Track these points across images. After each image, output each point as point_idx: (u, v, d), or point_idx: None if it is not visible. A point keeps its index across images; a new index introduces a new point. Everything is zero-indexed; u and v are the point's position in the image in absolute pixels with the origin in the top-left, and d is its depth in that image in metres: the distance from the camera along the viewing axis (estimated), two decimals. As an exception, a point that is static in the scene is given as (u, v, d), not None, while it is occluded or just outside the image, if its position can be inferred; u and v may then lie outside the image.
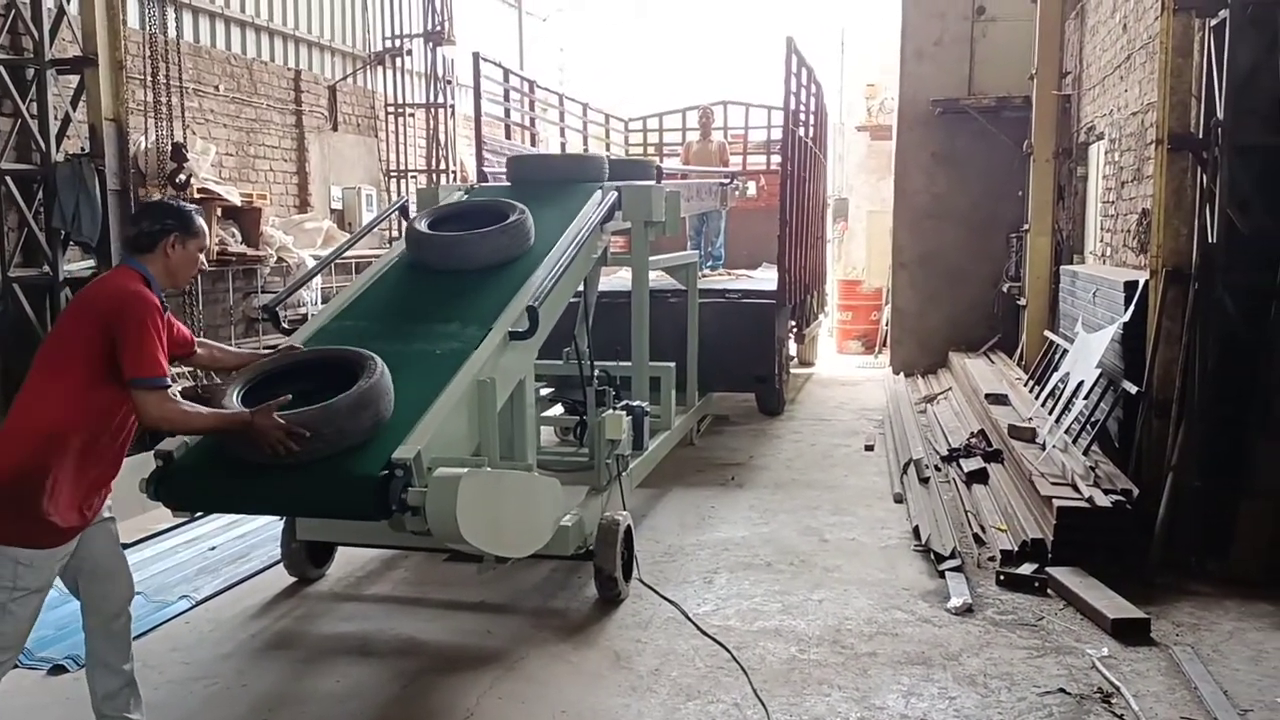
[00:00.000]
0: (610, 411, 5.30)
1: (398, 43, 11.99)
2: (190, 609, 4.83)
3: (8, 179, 6.96)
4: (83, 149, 7.11)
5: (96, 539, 3.27)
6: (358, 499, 3.43)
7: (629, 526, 5.00)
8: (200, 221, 3.39)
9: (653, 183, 6.08)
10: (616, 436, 5.23)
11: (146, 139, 7.47)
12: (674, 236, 10.79)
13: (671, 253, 7.88)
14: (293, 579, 5.15)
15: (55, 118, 7.21)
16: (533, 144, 10.31)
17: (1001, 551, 5.36)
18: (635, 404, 5.60)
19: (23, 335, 6.96)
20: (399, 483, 3.43)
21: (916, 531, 5.85)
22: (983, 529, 5.86)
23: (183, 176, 7.31)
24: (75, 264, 7.30)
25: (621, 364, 6.31)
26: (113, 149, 6.94)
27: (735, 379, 8.16)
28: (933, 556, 5.42)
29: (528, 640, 4.46)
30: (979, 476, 6.76)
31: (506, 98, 9.61)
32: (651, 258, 6.94)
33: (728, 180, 9.89)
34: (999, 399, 8.20)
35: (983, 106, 11.30)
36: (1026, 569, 5.08)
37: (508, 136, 9.70)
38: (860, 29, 16.07)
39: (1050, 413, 7.28)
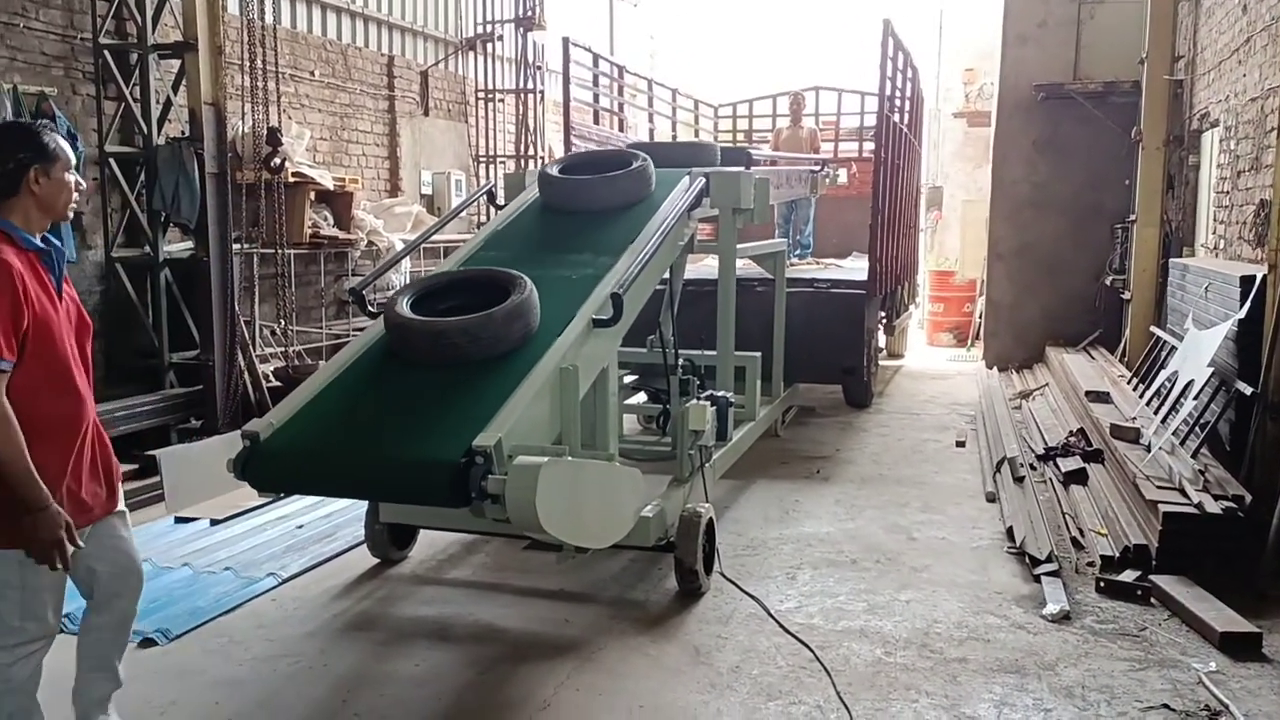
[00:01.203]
0: (694, 401, 5.21)
1: (489, 28, 12.02)
2: (277, 586, 4.90)
3: (111, 161, 7.15)
4: (183, 133, 7.27)
5: (105, 535, 3.09)
6: (438, 485, 3.40)
7: (711, 519, 4.91)
8: (57, 139, 2.90)
9: (741, 169, 5.95)
10: (700, 427, 5.14)
11: (244, 123, 7.60)
12: (762, 225, 10.71)
13: (759, 241, 7.73)
14: (375, 560, 5.19)
15: (157, 102, 7.39)
16: (621, 130, 10.24)
17: (1101, 557, 5.12)
18: (719, 394, 5.49)
19: (126, 314, 7.16)
20: (479, 470, 3.39)
21: (1010, 533, 5.63)
22: (1081, 532, 5.61)
23: (277, 160, 7.42)
24: (175, 245, 7.48)
25: (706, 353, 6.22)
26: (211, 133, 7.07)
27: (822, 370, 8.00)
28: (1027, 560, 5.20)
29: (606, 631, 4.41)
30: (1078, 477, 6.49)
31: (595, 83, 9.55)
32: (739, 245, 6.84)
33: (818, 167, 9.69)
34: (1100, 397, 7.87)
35: (1089, 91, 10.87)
36: (1129, 576, 4.84)
37: (595, 122, 9.65)
38: (959, 11, 15.60)
39: (1156, 413, 6.96)
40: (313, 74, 9.40)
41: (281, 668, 4.07)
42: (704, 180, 5.48)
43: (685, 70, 17.42)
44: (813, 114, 12.62)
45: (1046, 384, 9.83)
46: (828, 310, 7.83)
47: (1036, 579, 4.94)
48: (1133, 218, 10.17)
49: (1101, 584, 4.83)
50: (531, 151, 12.54)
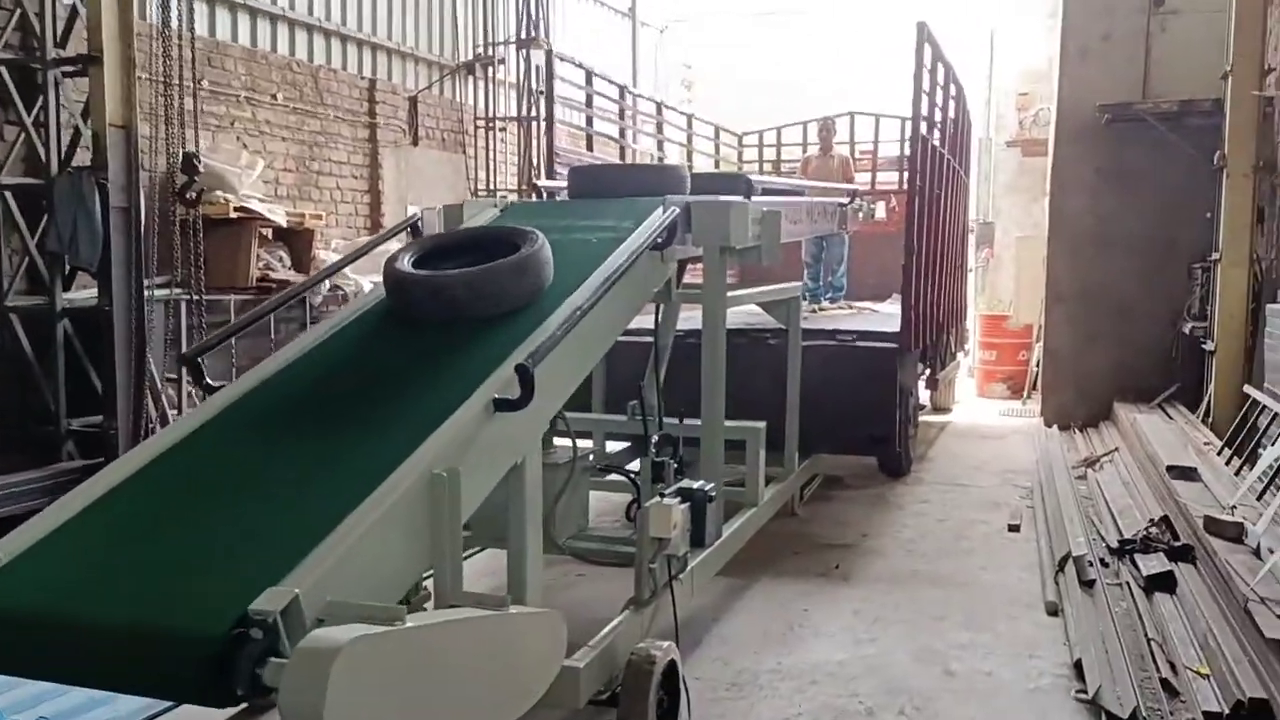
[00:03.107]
0: (657, 500, 3.97)
1: (489, 50, 11.00)
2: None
3: (7, 194, 6.14)
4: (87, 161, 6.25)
5: None
6: (183, 676, 2.21)
7: (673, 660, 3.66)
8: None
9: (734, 198, 4.74)
10: (664, 534, 3.91)
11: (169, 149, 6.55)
12: (780, 265, 9.49)
13: (782, 284, 6.48)
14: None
15: (69, 126, 6.39)
16: (621, 158, 9.10)
17: (1206, 715, 3.78)
18: (696, 486, 4.24)
19: (18, 370, 6.12)
20: (255, 648, 2.20)
21: (1079, 668, 4.29)
22: (1174, 669, 4.26)
23: (193, 192, 6.34)
24: (81, 291, 6.43)
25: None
26: (119, 160, 6.03)
27: (846, 439, 6.68)
28: (1104, 717, 3.87)
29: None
30: (1163, 582, 5.12)
31: (589, 103, 8.42)
32: (745, 291, 5.62)
33: (847, 200, 8.45)
34: (1185, 473, 6.48)
35: (1161, 112, 9.51)
36: (1249, 752, 3.50)
37: (589, 148, 8.51)
38: (1011, 31, 14.30)
39: (1260, 498, 5.60)
40: (275, 97, 8.40)
41: None
42: (676, 211, 4.29)
43: (721, 99, 16.28)
44: (847, 142, 11.43)
45: (1116, 449, 8.42)
46: (853, 367, 6.54)
47: (1118, 750, 3.61)
48: (1215, 256, 8.78)
49: (1210, 762, 3.50)
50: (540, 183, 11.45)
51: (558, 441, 4.75)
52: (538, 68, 11.00)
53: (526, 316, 3.58)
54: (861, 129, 11.83)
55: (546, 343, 3.15)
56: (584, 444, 5.54)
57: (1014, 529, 6.63)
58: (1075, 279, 10.33)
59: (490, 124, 11.04)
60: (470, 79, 11.03)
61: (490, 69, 11.05)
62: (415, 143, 10.17)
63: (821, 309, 9.84)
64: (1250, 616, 4.15)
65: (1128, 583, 5.30)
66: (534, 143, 11.23)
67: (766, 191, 6.42)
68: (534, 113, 11.21)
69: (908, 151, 7.96)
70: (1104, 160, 10.15)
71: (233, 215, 7.24)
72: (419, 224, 4.61)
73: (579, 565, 5.16)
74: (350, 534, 2.55)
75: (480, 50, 10.99)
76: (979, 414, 11.66)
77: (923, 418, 10.06)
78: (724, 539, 4.95)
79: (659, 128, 10.20)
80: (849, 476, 7.94)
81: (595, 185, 5.18)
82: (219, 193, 7.32)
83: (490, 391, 3.10)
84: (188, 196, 6.31)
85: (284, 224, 7.64)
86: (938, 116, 7.74)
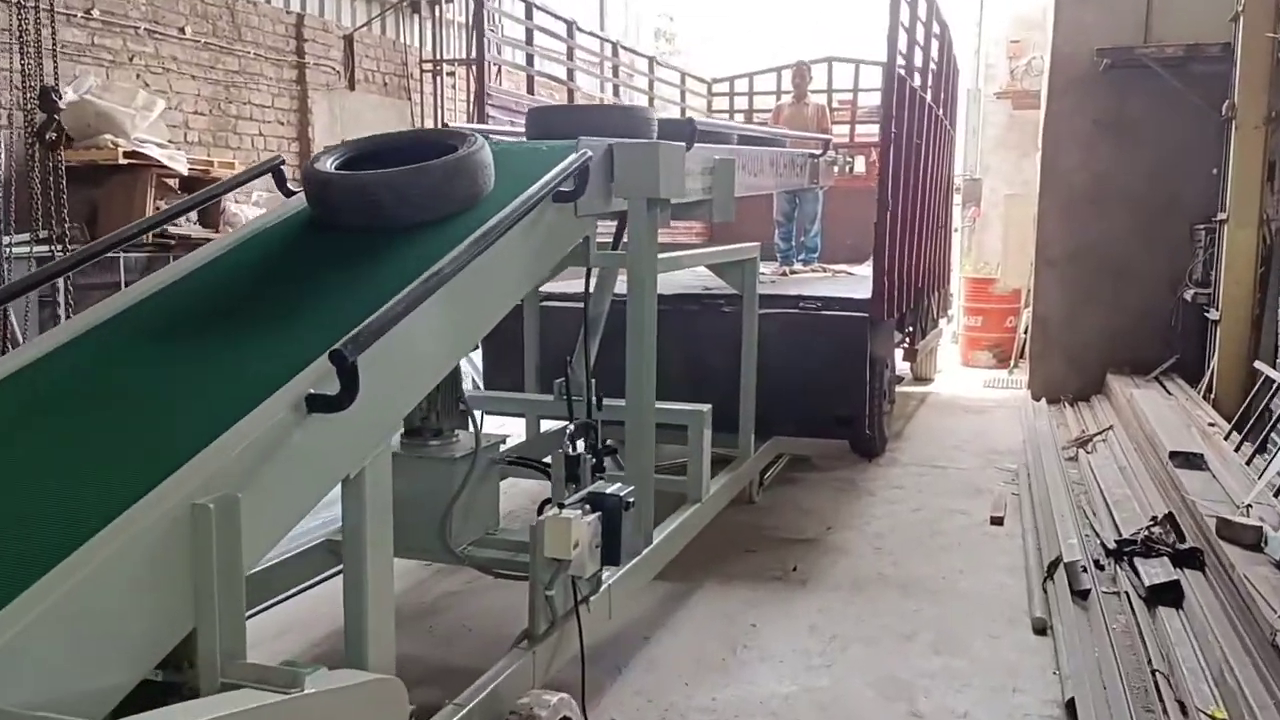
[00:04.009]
0: (553, 513, 3.20)
1: (435, -14, 10.08)
2: None
3: None
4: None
5: None
6: None
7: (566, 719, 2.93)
8: None
9: (663, 142, 3.92)
10: (561, 555, 3.15)
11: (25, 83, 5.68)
12: (750, 224, 8.69)
13: (744, 243, 5.68)
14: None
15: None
16: (569, 100, 8.23)
17: (1226, 779, 3.08)
18: (610, 490, 3.48)
19: None
20: None
21: (1072, 710, 3.58)
22: (1184, 710, 3.55)
23: (52, 133, 5.47)
24: (-69, 246, 5.60)
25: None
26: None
27: (809, 421, 5.91)
28: (1102, 780, 3.16)
29: None
30: (1168, 594, 4.41)
31: (529, 40, 7.53)
32: (678, 252, 4.83)
33: (819, 150, 7.64)
34: (1190, 460, 5.77)
35: (1166, 58, 8.69)
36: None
37: (530, 91, 7.64)
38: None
39: (1278, 494, 4.89)
40: (183, 31, 7.50)
41: None
42: (589, 155, 3.48)
43: (708, 57, 15.32)
44: (825, 90, 10.57)
45: (1110, 427, 7.70)
46: (818, 339, 5.75)
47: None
48: (1222, 216, 8.03)
49: None
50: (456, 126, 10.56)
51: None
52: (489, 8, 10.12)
53: (457, 227, 3.03)
54: (841, 77, 10.96)
55: (378, 321, 2.37)
56: (507, 428, 4.81)
57: (997, 521, 5.90)
58: (1068, 240, 9.56)
59: (438, 67, 10.13)
60: (415, 17, 10.10)
61: (437, 6, 10.12)
62: (352, 86, 9.27)
63: (794, 271, 9.05)
64: (1276, 649, 3.44)
65: (1126, 593, 4.59)
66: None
67: (723, 139, 5.61)
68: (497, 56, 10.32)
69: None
70: (1101, 111, 9.35)
71: (123, 162, 6.38)
72: (281, 167, 3.81)
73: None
74: (53, 586, 1.80)
75: (425, -15, 10.07)
76: (962, 385, 10.92)
77: (901, 389, 9.34)
78: (657, 544, 4.22)
79: (614, 71, 9.29)
80: (817, 457, 7.20)
81: (551, 128, 4.38)
82: (108, 136, 6.45)
83: (304, 385, 2.33)
84: (47, 138, 5.45)
85: (186, 172, 6.78)
86: (919, 58, 6.90)
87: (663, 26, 20.42)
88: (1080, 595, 4.57)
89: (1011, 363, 11.62)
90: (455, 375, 4.01)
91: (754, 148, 6.03)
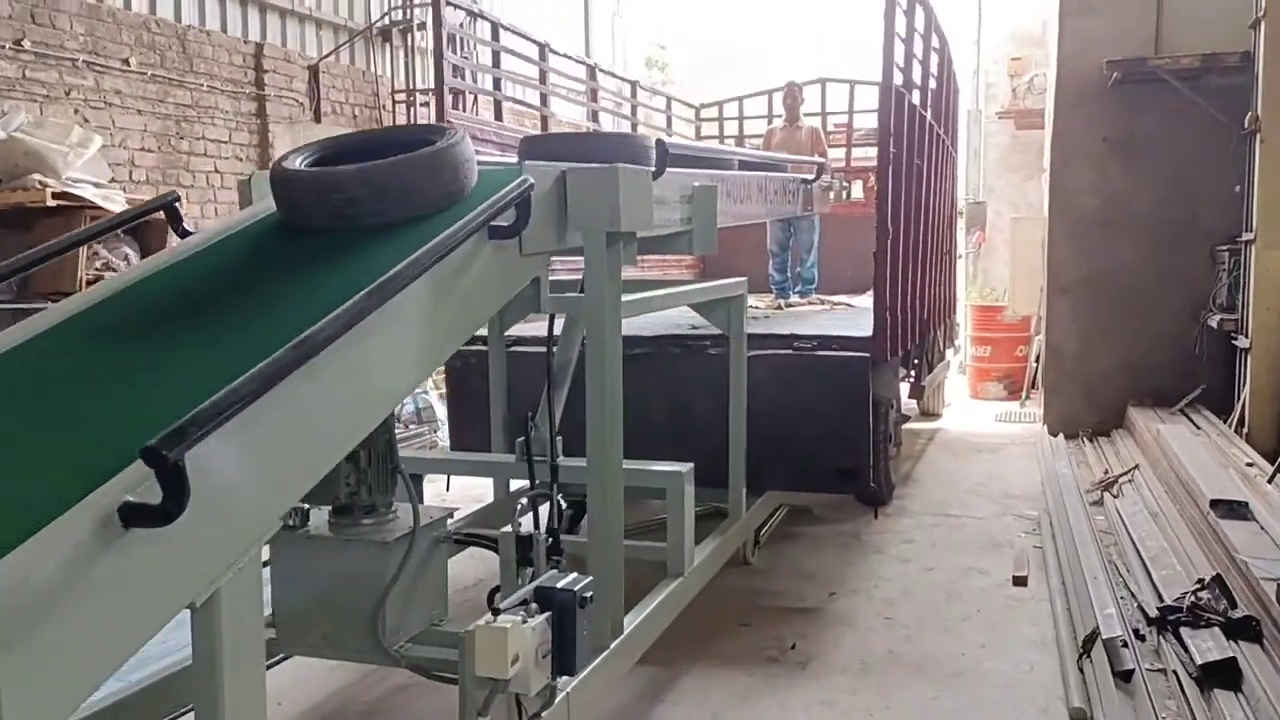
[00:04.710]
0: (485, 622, 2.61)
1: (407, 11, 9.58)
2: None
3: None
4: None
5: None
6: None
7: None
8: None
9: (625, 166, 3.36)
10: (496, 674, 2.56)
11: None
12: (743, 255, 8.15)
13: (726, 279, 5.11)
14: None
15: None
16: (543, 128, 7.71)
17: None
18: (562, 585, 2.89)
19: None
20: None
21: (1126, 838, 2.97)
22: (1261, 834, 2.94)
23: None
24: None
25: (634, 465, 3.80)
26: None
27: (806, 473, 5.30)
28: None
29: None
30: (1223, 674, 3.81)
31: (495, 62, 7.01)
32: (645, 293, 4.26)
33: (812, 175, 7.11)
34: (1235, 510, 5.16)
35: (1180, 69, 8.16)
36: None
37: (497, 117, 7.11)
38: (1002, -9, 12.95)
39: (1344, 553, 4.28)
40: (127, 63, 7.00)
41: None
42: (530, 182, 2.92)
43: (701, 84, 14.84)
44: (819, 113, 10.06)
45: (1136, 466, 7.10)
46: (814, 383, 5.16)
47: None
48: (1247, 236, 7.47)
49: None
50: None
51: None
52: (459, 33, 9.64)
53: (434, 225, 2.66)
54: (836, 100, 10.45)
55: (217, 405, 1.79)
56: (475, 491, 4.25)
57: (1020, 582, 5.29)
58: (1080, 265, 9.00)
59: (411, 97, 9.63)
60: (386, 46, 9.62)
61: (409, 35, 9.64)
62: (318, 118, 8.76)
63: (789, 304, 8.50)
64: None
65: (1175, 671, 3.98)
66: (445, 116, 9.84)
67: (707, 163, 5.07)
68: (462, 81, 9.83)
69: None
70: (1112, 128, 8.82)
71: (52, 203, 5.85)
72: (176, 205, 3.26)
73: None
74: None
75: (394, 12, 9.56)
76: (972, 419, 10.32)
77: (907, 426, 8.75)
78: (631, 632, 3.61)
79: (593, 96, 8.77)
80: (818, 507, 6.61)
81: (544, 158, 3.87)
82: (35, 176, 5.93)
83: (115, 494, 1.75)
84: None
85: (118, 211, 6.25)
86: (917, 72, 6.37)
87: (654, 55, 20.04)
88: (1123, 676, 3.96)
89: (1023, 394, 11.03)
90: (388, 439, 3.45)
91: (739, 173, 5.48)
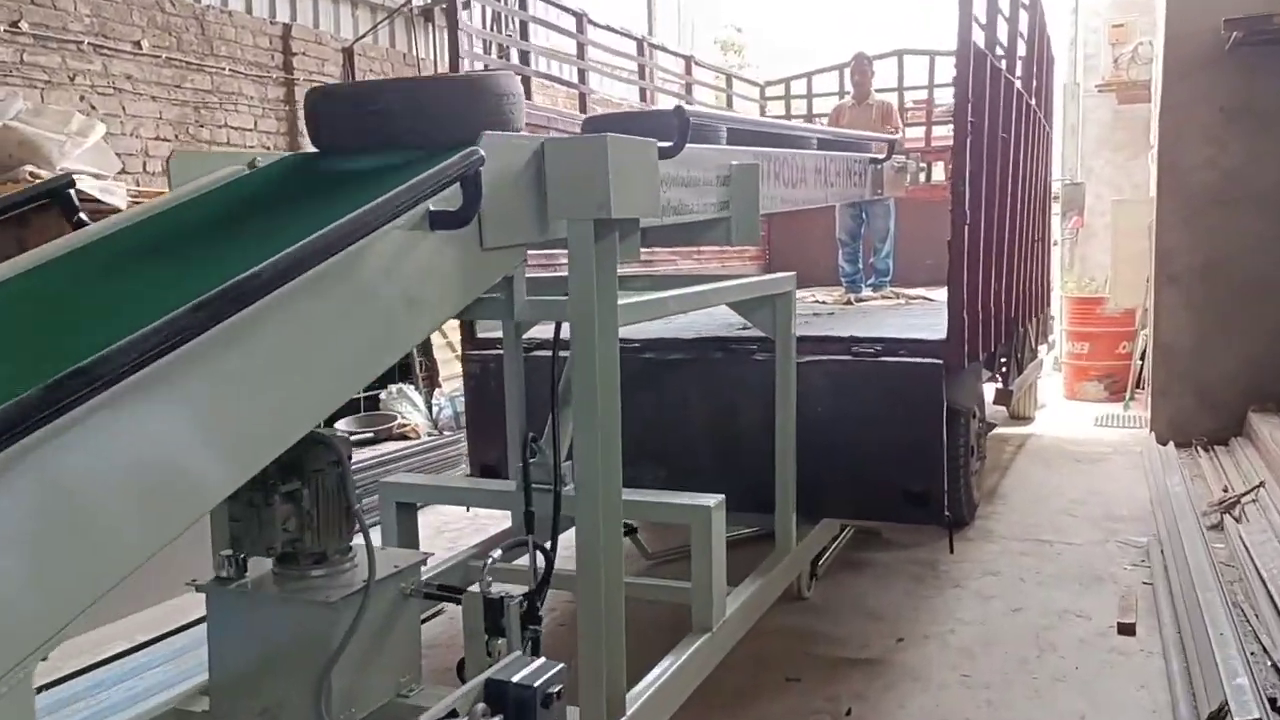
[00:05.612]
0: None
1: (449, -10, 8.98)
2: None
3: None
4: None
5: None
6: None
7: None
8: None
9: (617, 136, 2.65)
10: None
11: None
12: (811, 245, 7.41)
13: (775, 274, 4.39)
14: None
15: None
16: (582, 108, 7.02)
17: None
18: (519, 679, 2.22)
19: None
20: None
21: None
22: None
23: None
24: None
25: (645, 497, 3.29)
26: None
27: (870, 498, 4.51)
28: None
29: None
30: (1398, 775, 2.98)
31: (523, 34, 6.36)
32: (682, 291, 3.54)
33: (882, 154, 6.32)
34: (1395, 548, 4.26)
35: (1314, 25, 7.14)
36: None
37: (527, 96, 6.46)
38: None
39: None
40: (139, 45, 6.54)
41: None
42: (479, 156, 2.25)
43: (783, 68, 14.02)
44: (895, 89, 9.21)
45: (1261, 484, 6.15)
46: (877, 393, 4.40)
47: None
48: (1396, 216, 6.44)
49: None
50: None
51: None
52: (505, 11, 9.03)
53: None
54: (915, 73, 9.56)
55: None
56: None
57: (1126, 630, 4.45)
58: (1194, 251, 8.01)
59: (455, 81, 9.05)
60: (429, 26, 9.06)
61: (454, 14, 9.03)
62: (354, 104, 8.24)
63: (860, 299, 7.71)
64: None
65: (1330, 765, 3.16)
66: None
67: (753, 139, 4.34)
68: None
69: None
70: (1230, 96, 7.81)
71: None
72: (70, 193, 2.69)
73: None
74: None
75: (437, -10, 8.99)
76: (1068, 424, 9.36)
77: (994, 432, 7.88)
78: (634, 713, 2.93)
79: (642, 73, 8.05)
80: (888, 530, 5.84)
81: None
82: (29, 168, 5.49)
83: None
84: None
85: (125, 206, 5.79)
86: (1003, 31, 5.53)
87: (729, 37, 19.24)
88: (1262, 771, 3.16)
89: (1127, 395, 10.01)
90: (340, 474, 2.83)
91: (790, 151, 4.74)
